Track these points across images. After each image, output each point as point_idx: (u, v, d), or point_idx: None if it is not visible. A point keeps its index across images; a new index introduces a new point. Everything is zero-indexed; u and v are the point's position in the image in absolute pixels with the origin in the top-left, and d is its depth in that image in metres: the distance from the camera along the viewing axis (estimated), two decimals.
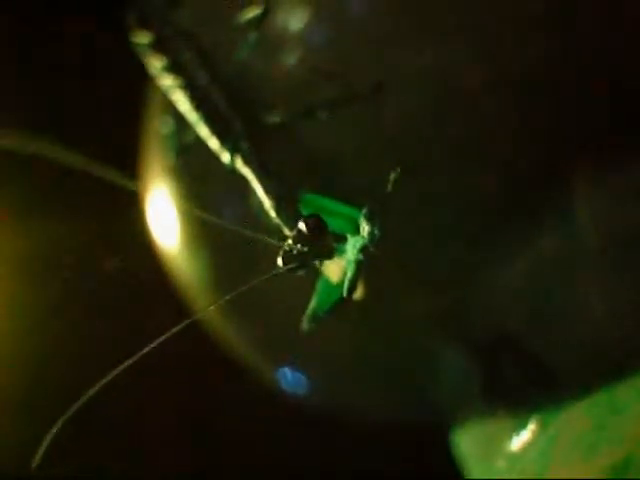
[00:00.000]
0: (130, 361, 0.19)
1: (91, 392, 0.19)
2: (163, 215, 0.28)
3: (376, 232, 0.20)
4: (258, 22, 0.25)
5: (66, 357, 0.35)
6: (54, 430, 0.20)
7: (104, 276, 0.35)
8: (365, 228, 0.20)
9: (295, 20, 0.25)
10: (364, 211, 0.20)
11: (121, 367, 0.19)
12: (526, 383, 0.26)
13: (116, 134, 0.34)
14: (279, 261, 0.20)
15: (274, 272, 0.20)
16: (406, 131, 0.24)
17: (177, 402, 0.36)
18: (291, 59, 0.25)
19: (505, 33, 0.24)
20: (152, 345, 0.19)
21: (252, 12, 0.25)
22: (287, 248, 0.20)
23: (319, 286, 0.22)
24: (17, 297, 0.35)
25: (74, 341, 0.35)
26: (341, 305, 0.22)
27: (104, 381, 0.19)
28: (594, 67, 0.24)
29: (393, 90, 0.23)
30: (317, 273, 0.22)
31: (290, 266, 0.20)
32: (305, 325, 0.22)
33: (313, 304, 0.22)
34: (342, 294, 0.21)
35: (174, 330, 0.19)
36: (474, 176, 0.24)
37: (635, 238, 0.24)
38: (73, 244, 0.35)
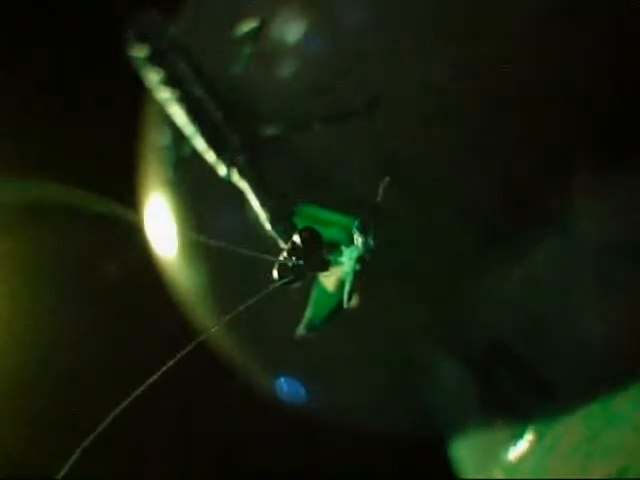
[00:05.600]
0: (143, 387, 0.19)
1: (109, 418, 0.19)
2: (161, 227, 0.28)
3: (370, 241, 0.20)
4: (254, 35, 0.25)
5: (65, 361, 0.35)
6: (73, 457, 0.19)
7: (103, 284, 0.35)
8: (359, 238, 0.20)
9: (291, 33, 0.25)
10: (357, 221, 0.20)
11: (136, 392, 0.19)
12: (523, 394, 0.26)
13: (113, 147, 0.34)
14: (274, 274, 0.20)
15: (271, 288, 0.20)
16: (402, 144, 0.24)
17: (176, 409, 0.36)
18: (287, 72, 0.25)
19: (499, 46, 0.24)
20: (165, 367, 0.19)
21: (249, 25, 0.25)
22: (282, 261, 0.20)
23: (314, 295, 0.22)
24: (17, 305, 0.35)
25: (73, 344, 0.35)
26: (337, 314, 0.22)
27: (120, 407, 0.19)
28: (592, 76, 0.24)
29: (389, 104, 0.23)
30: (312, 282, 0.22)
31: (286, 280, 0.20)
32: (301, 334, 0.22)
33: (309, 313, 0.22)
34: (338, 303, 0.21)
35: (184, 352, 0.19)
36: (471, 188, 0.24)
37: (632, 250, 0.24)
38: (72, 253, 0.35)
